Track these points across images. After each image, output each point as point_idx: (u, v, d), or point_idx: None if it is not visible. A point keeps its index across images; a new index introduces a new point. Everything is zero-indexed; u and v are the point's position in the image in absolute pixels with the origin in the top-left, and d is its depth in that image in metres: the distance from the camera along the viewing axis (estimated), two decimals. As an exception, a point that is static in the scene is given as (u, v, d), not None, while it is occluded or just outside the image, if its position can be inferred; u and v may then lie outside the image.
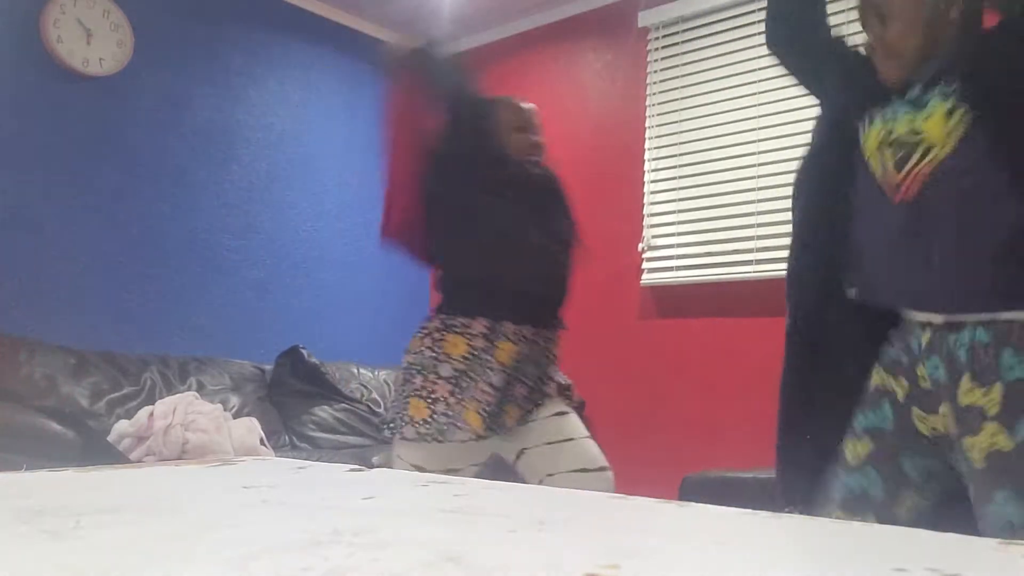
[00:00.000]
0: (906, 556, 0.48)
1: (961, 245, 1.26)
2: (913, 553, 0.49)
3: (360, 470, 0.86)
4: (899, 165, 1.32)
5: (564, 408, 1.98)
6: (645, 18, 3.59)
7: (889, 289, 1.37)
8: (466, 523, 0.57)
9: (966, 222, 1.26)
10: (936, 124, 1.29)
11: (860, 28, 1.43)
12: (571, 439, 1.93)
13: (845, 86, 1.47)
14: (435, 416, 1.79)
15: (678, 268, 3.45)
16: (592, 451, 1.94)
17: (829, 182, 1.45)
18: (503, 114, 1.95)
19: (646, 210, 3.56)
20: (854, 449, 1.41)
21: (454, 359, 1.82)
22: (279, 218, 3.71)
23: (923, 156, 1.29)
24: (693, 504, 0.65)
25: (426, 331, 1.88)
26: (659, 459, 3.30)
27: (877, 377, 1.40)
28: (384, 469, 0.99)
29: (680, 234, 3.46)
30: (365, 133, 4.15)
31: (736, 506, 0.64)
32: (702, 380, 3.37)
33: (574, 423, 1.97)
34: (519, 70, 4.12)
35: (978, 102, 1.25)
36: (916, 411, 1.34)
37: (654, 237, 3.53)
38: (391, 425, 1.87)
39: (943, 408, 1.28)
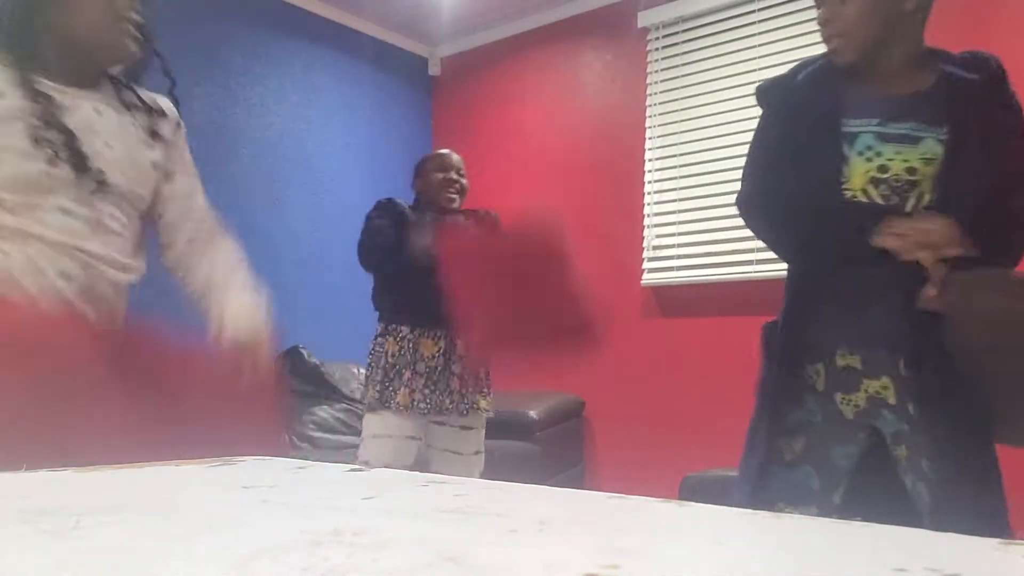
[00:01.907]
0: (906, 556, 0.48)
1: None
2: (913, 553, 0.49)
3: (360, 470, 0.86)
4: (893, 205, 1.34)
5: (471, 423, 2.36)
6: (645, 18, 3.60)
7: None
8: (466, 523, 0.57)
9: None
10: (933, 170, 1.32)
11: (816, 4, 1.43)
12: (460, 453, 2.37)
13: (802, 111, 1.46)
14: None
15: (679, 268, 3.45)
16: (466, 469, 2.32)
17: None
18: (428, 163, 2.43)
19: (647, 210, 3.56)
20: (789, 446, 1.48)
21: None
22: (279, 218, 3.71)
23: (918, 200, 1.34)
24: (693, 504, 0.65)
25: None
26: (659, 459, 3.30)
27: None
28: (384, 469, 0.99)
29: (681, 234, 3.46)
30: (365, 133, 4.15)
31: (736, 506, 0.64)
32: (703, 380, 3.37)
33: (473, 438, 2.37)
34: (519, 70, 4.12)
35: (954, 153, 1.30)
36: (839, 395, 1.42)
37: (656, 237, 3.53)
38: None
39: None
